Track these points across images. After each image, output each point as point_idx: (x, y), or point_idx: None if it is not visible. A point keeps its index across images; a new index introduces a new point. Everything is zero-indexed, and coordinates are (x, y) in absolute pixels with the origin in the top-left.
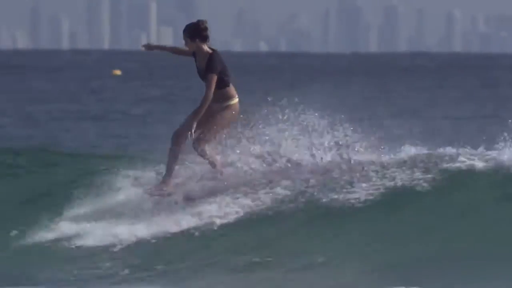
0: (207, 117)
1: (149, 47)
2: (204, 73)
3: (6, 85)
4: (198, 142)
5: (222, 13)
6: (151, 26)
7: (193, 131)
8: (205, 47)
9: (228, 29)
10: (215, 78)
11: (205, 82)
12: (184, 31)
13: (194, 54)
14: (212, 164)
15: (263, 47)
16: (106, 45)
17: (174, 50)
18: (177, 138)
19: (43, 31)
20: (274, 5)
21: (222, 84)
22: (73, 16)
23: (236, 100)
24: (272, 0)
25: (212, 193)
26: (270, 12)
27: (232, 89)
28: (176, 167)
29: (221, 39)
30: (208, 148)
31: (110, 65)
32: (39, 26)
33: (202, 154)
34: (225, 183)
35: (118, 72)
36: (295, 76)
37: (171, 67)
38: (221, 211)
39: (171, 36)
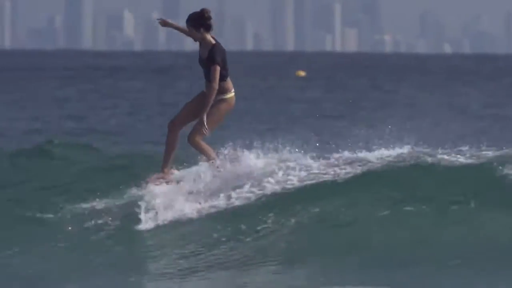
0: (196, 106)
1: (164, 23)
2: (205, 63)
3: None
4: (192, 134)
5: (406, 15)
6: (336, 28)
7: (206, 126)
8: (209, 37)
9: (412, 31)
10: (218, 69)
11: (209, 72)
12: (188, 20)
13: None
14: (207, 155)
15: (447, 48)
16: (290, 47)
17: (184, 31)
18: (173, 126)
19: (227, 32)
20: (457, 6)
21: (220, 77)
22: (257, 17)
23: (232, 94)
24: (454, 1)
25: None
26: (453, 14)
27: (229, 83)
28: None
29: (406, 40)
30: (202, 140)
31: (294, 66)
32: (223, 28)
33: (196, 146)
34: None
35: (302, 73)
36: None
37: (356, 67)
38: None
39: (355, 38)
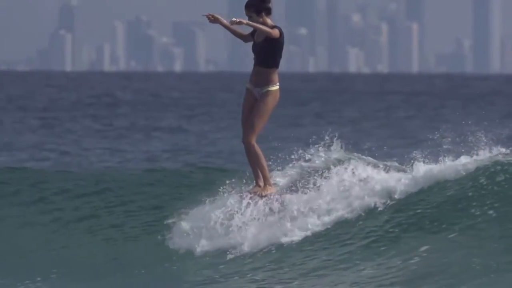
0: (252, 107)
1: (213, 18)
2: (261, 46)
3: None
4: (245, 135)
5: None
6: None
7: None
8: (269, 21)
9: None
10: (277, 31)
11: (262, 57)
12: (248, 6)
13: (253, 34)
14: (256, 166)
15: None
16: None
17: (234, 32)
18: (245, 139)
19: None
20: None
21: (274, 63)
22: None
23: (277, 86)
24: None
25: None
26: None
27: (277, 74)
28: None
29: None
30: (254, 140)
31: None
32: None
33: (249, 149)
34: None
35: None
36: None
37: None
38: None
39: None
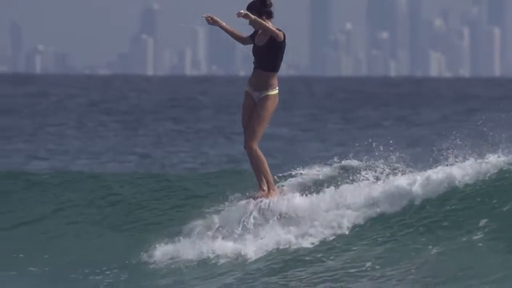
0: (251, 111)
1: (212, 20)
2: (262, 50)
3: None
4: (246, 140)
5: None
6: None
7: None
8: (271, 24)
9: None
10: (280, 33)
11: (263, 60)
12: (249, 9)
13: (252, 37)
14: (259, 172)
15: None
16: None
17: (233, 33)
18: (247, 145)
19: None
20: None
21: (275, 66)
22: None
23: (276, 91)
24: None
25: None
26: None
27: (276, 78)
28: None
29: None
30: (257, 145)
31: None
32: None
33: (252, 154)
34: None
35: None
36: None
37: None
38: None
39: None
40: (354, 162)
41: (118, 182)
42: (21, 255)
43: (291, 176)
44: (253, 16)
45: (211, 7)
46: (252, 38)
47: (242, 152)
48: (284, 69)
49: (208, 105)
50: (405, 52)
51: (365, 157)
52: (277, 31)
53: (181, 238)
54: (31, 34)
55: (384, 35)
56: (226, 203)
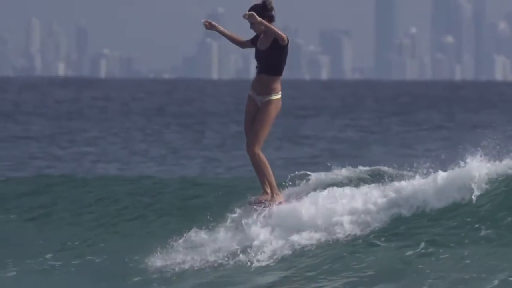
0: (254, 115)
1: (210, 25)
2: (265, 53)
3: None
4: (248, 144)
5: None
6: None
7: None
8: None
9: None
10: (285, 36)
11: (266, 65)
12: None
13: (253, 41)
14: (262, 175)
15: None
16: None
17: (232, 38)
18: (249, 149)
19: None
20: None
21: (278, 70)
22: None
23: (279, 95)
24: None
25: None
26: None
27: (279, 83)
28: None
29: None
30: (259, 149)
31: None
32: None
33: (254, 158)
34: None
35: None
36: None
37: None
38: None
39: None
40: (385, 168)
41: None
42: (48, 256)
43: (303, 179)
44: (258, 18)
45: (278, 12)
46: (252, 42)
47: (309, 155)
48: (349, 73)
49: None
50: (470, 56)
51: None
52: (282, 34)
53: (192, 241)
54: (97, 38)
55: (449, 38)
56: (235, 208)
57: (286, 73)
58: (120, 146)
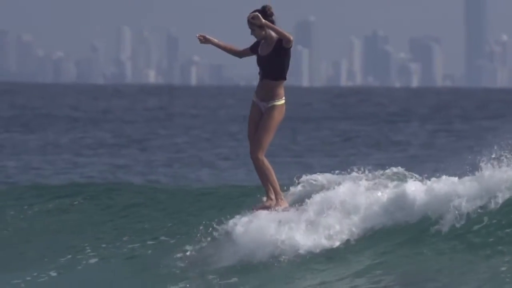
0: (258, 121)
1: (204, 39)
2: (267, 59)
3: None
4: (252, 150)
5: None
6: None
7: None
8: (273, 33)
9: None
10: (290, 37)
11: (268, 71)
12: (251, 18)
13: (253, 48)
14: (266, 180)
15: None
16: None
17: (227, 49)
18: (254, 154)
19: None
20: None
21: (282, 74)
22: None
23: (283, 101)
24: None
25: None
26: None
27: (283, 88)
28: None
29: None
30: (263, 155)
31: None
32: None
33: (258, 163)
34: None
35: None
36: None
37: None
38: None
39: None
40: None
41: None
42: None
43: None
44: (263, 20)
45: (368, 20)
46: (252, 50)
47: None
48: (440, 80)
49: (363, 115)
50: None
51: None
52: (288, 34)
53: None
54: (187, 45)
55: None
56: (241, 214)
57: (376, 80)
58: (211, 153)
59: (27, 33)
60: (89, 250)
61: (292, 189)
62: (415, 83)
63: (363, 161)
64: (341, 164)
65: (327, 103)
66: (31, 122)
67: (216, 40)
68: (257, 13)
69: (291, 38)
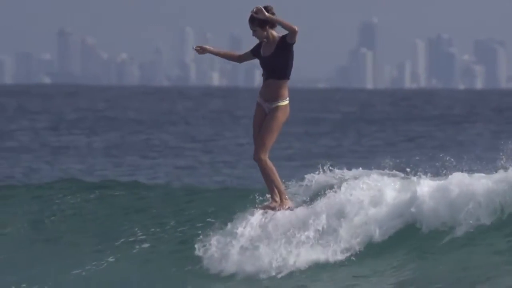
0: (261, 122)
1: (202, 50)
2: (270, 59)
3: None
4: (256, 151)
5: None
6: None
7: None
8: (275, 33)
9: None
10: (295, 27)
11: (272, 72)
12: (252, 21)
13: (254, 51)
14: (270, 181)
15: None
16: None
17: (226, 55)
18: (257, 156)
19: None
20: None
21: (286, 73)
22: None
23: (287, 101)
24: None
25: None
26: None
27: (287, 88)
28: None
29: None
30: (267, 156)
31: None
32: None
33: (261, 164)
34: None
35: None
36: None
37: None
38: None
39: None
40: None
41: None
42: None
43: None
44: (267, 13)
45: (431, 22)
46: (253, 53)
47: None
48: (504, 82)
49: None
50: None
51: None
52: (293, 25)
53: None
54: (251, 47)
55: None
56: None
57: (440, 82)
58: (278, 153)
59: (91, 35)
60: (142, 235)
61: (296, 187)
62: (479, 85)
63: (425, 163)
64: (398, 164)
65: (392, 105)
66: (95, 124)
67: (212, 49)
68: (260, 7)
69: (297, 28)
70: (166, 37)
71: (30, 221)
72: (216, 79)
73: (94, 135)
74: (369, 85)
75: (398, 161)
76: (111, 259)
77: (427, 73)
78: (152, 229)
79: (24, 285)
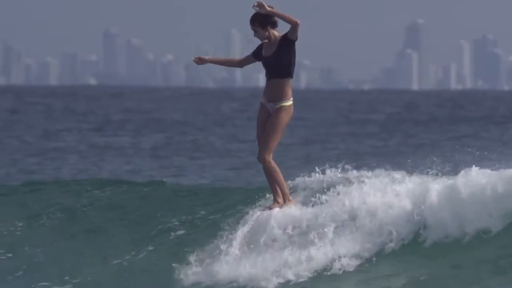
0: (265, 122)
1: (200, 60)
2: (272, 59)
3: None
4: (260, 152)
5: None
6: None
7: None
8: (276, 33)
9: None
10: (297, 20)
11: (274, 71)
12: (253, 21)
13: (255, 54)
14: (274, 182)
15: None
16: None
17: (225, 62)
18: (261, 157)
19: None
20: None
21: (290, 71)
22: None
23: (291, 101)
24: None
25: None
26: None
27: (291, 87)
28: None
29: None
30: (271, 156)
31: None
32: None
33: (265, 165)
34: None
35: None
36: None
37: None
38: None
39: None
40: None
41: None
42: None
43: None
44: (268, 8)
45: (477, 23)
46: (255, 55)
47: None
48: None
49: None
50: None
51: None
52: (293, 17)
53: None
54: (299, 49)
55: None
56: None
57: (485, 83)
58: (321, 153)
59: (136, 37)
60: (177, 224)
61: (301, 184)
62: None
63: (469, 163)
64: (437, 164)
65: (438, 106)
66: (141, 125)
67: (211, 58)
68: (261, 1)
69: (299, 22)
70: (212, 38)
71: (70, 213)
72: (262, 81)
73: (141, 136)
74: (415, 86)
75: (435, 159)
76: (150, 248)
77: (473, 74)
78: (186, 222)
79: (67, 278)
